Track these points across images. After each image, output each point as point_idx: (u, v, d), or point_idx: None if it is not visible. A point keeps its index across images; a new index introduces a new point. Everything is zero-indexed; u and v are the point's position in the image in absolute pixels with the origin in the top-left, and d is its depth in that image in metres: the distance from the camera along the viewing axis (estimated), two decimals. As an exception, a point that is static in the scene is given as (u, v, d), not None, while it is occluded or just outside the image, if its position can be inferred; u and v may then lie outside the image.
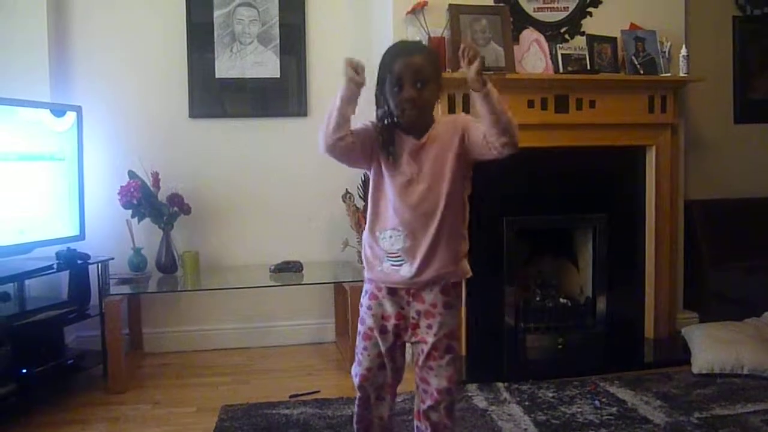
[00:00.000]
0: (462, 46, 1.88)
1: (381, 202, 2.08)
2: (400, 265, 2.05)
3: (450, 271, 2.07)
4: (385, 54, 2.02)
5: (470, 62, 1.86)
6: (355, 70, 1.92)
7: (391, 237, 2.05)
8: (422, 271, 2.03)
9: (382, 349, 2.11)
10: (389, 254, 2.06)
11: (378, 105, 2.05)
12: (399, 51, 2.01)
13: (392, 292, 2.09)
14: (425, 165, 2.02)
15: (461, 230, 2.12)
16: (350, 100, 1.95)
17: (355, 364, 2.19)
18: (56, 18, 3.80)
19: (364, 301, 2.15)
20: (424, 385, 2.11)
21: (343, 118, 1.97)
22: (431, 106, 2.04)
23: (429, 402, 2.10)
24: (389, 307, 2.10)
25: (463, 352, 3.68)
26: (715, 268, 4.14)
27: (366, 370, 2.14)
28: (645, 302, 3.95)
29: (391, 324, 2.10)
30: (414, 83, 1.94)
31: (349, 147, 2.00)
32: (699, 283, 4.17)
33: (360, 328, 2.15)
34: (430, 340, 2.06)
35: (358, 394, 2.18)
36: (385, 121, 2.03)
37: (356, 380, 2.17)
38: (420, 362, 2.10)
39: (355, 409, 2.21)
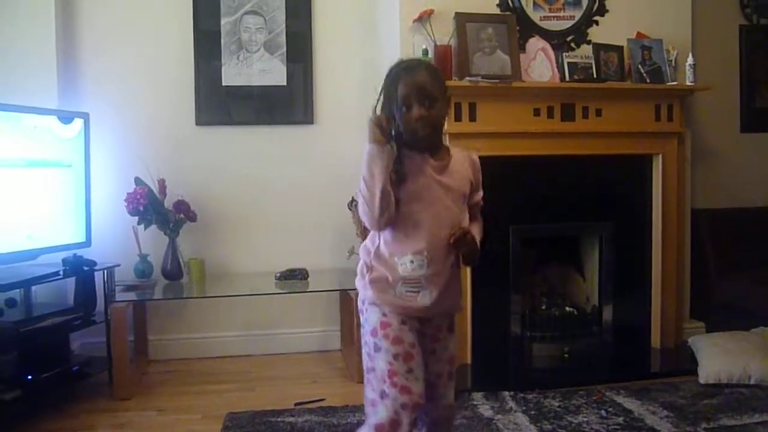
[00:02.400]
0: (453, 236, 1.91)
1: (401, 224, 1.94)
2: (417, 292, 1.94)
3: (458, 302, 2.07)
4: (387, 75, 1.97)
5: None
6: (380, 127, 1.86)
7: (412, 262, 1.93)
8: (441, 300, 1.96)
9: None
10: (407, 280, 1.94)
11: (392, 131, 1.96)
12: (401, 70, 1.95)
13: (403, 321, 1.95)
14: (452, 189, 1.97)
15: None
16: (385, 167, 1.86)
17: (389, 401, 1.87)
18: (64, 25, 3.81)
19: (386, 320, 1.94)
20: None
21: (386, 193, 1.86)
22: (442, 123, 2.00)
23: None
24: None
25: (469, 360, 3.68)
26: (721, 277, 4.13)
27: (419, 397, 1.89)
28: (651, 311, 3.94)
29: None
30: (422, 101, 1.89)
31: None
32: (706, 292, 4.15)
33: (396, 349, 1.90)
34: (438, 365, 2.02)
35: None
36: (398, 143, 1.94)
37: (404, 413, 1.86)
38: None
39: None
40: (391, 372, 1.89)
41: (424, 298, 1.95)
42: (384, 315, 1.95)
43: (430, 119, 1.91)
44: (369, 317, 1.98)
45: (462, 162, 2.02)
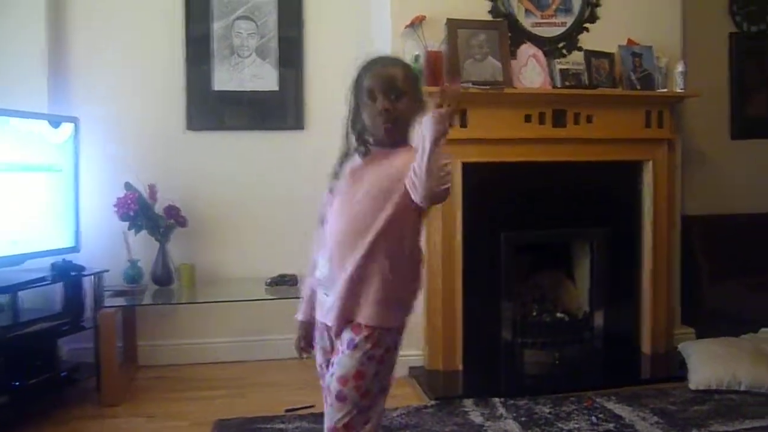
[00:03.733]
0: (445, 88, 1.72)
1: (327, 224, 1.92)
2: (326, 296, 1.88)
3: (364, 311, 1.82)
4: (357, 70, 1.91)
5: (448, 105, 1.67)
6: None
7: (322, 265, 1.90)
8: (340, 306, 1.83)
9: None
10: (321, 283, 1.91)
11: (353, 128, 1.91)
12: (372, 62, 1.91)
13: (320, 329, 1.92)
14: (366, 181, 1.85)
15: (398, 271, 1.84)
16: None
17: (371, 426, 1.84)
18: (55, 30, 3.80)
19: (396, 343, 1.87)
20: None
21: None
22: (407, 122, 1.87)
23: None
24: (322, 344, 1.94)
25: (460, 366, 3.67)
26: (712, 283, 4.14)
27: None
28: (642, 317, 3.95)
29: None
30: (387, 94, 1.82)
31: None
32: (696, 298, 4.16)
33: (390, 379, 1.89)
34: (327, 380, 1.87)
35: None
36: (361, 138, 1.90)
37: None
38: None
39: None
40: (379, 398, 1.87)
41: (327, 302, 1.87)
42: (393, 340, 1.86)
43: (394, 113, 1.83)
44: (396, 355, 1.89)
45: (404, 159, 1.79)
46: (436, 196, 1.69)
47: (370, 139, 1.90)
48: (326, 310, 1.87)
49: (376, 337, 1.81)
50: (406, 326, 1.91)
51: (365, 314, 1.80)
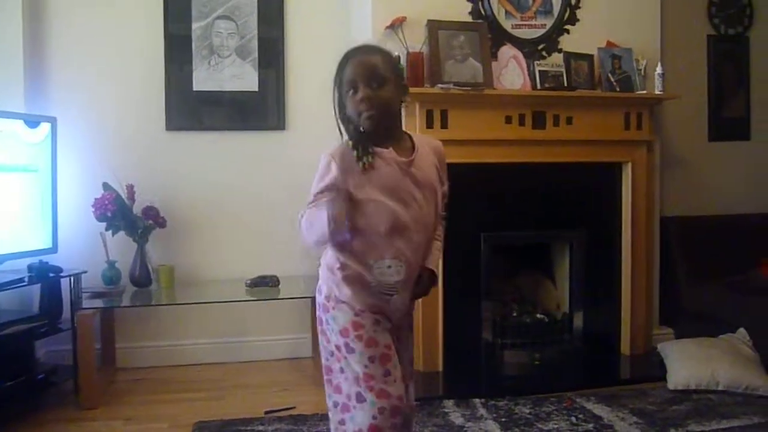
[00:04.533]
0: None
1: (375, 224, 1.82)
2: (392, 295, 1.89)
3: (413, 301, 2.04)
4: (337, 68, 1.90)
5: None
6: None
7: (390, 267, 1.85)
8: (409, 303, 1.98)
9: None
10: (383, 284, 1.86)
11: (345, 126, 1.90)
12: (350, 52, 1.89)
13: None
14: (422, 183, 1.87)
15: None
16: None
17: (368, 405, 1.80)
18: (32, 28, 3.75)
19: (359, 320, 1.86)
20: None
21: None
22: (393, 110, 1.87)
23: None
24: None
25: (440, 367, 3.67)
26: (690, 284, 4.17)
27: (399, 399, 1.81)
28: (621, 318, 3.97)
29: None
30: (369, 82, 1.81)
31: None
32: (674, 299, 4.20)
33: (370, 352, 1.83)
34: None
35: None
36: (357, 134, 1.86)
37: (382, 417, 1.78)
38: None
39: None
40: (367, 376, 1.81)
41: (396, 302, 1.90)
42: (356, 315, 1.86)
43: (377, 99, 1.81)
44: (336, 315, 1.89)
45: (426, 150, 1.92)
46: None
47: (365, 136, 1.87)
48: (394, 308, 1.92)
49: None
50: None
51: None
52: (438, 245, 2.00)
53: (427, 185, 1.89)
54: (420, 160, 1.88)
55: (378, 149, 1.84)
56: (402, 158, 1.86)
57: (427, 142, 1.96)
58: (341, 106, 1.89)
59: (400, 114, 1.94)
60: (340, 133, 1.91)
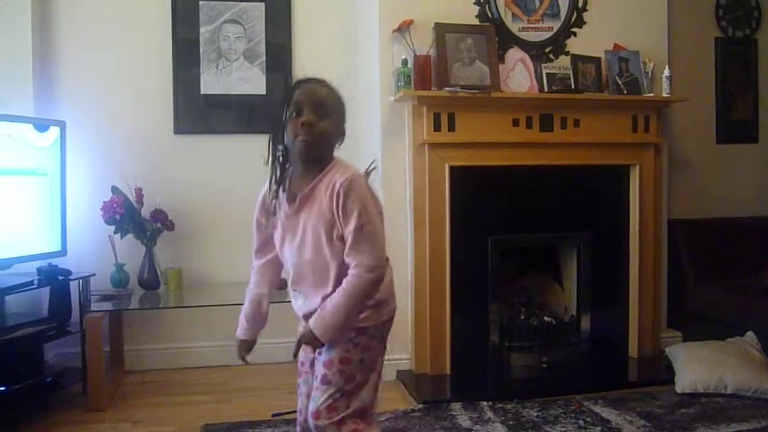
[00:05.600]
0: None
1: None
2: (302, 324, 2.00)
3: None
4: (286, 91, 1.97)
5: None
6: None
7: (295, 296, 2.05)
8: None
9: None
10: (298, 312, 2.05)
11: (273, 147, 1.96)
12: (304, 80, 1.94)
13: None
14: (302, 222, 1.92)
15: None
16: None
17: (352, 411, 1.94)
18: (40, 32, 3.78)
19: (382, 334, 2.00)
20: None
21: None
22: (328, 143, 1.91)
23: None
24: None
25: (447, 370, 3.68)
26: (698, 287, 4.16)
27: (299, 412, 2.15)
28: (629, 321, 3.96)
29: None
30: (314, 109, 1.86)
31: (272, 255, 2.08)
32: (682, 302, 4.18)
33: (379, 366, 2.01)
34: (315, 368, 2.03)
35: None
36: (280, 159, 1.95)
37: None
38: None
39: None
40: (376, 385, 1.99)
41: (301, 332, 1.98)
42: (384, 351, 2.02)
43: (317, 128, 1.86)
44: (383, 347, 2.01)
45: (323, 189, 1.88)
46: None
47: (288, 164, 1.95)
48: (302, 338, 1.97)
49: (360, 328, 1.94)
50: (391, 316, 2.02)
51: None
52: (346, 291, 1.85)
53: (311, 226, 1.90)
54: (313, 199, 1.90)
55: (294, 175, 1.95)
56: (293, 191, 1.94)
57: (330, 180, 1.88)
58: (278, 128, 1.93)
59: (331, 152, 1.95)
60: (273, 159, 1.97)
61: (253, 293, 2.15)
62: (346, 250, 1.85)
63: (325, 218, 1.87)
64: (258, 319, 2.15)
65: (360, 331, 1.93)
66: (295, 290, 2.01)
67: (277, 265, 2.09)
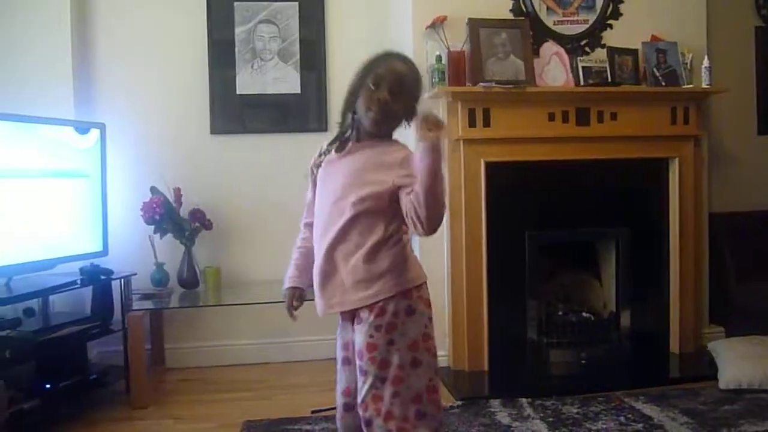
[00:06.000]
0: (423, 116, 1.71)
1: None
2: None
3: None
4: (371, 59, 1.95)
5: (431, 128, 1.68)
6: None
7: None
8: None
9: None
10: None
11: (344, 112, 1.99)
12: (389, 54, 1.96)
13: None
14: (353, 176, 1.92)
15: None
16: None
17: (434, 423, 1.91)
18: (79, 36, 3.85)
19: (428, 331, 1.93)
20: None
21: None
22: (394, 123, 1.93)
23: None
24: None
25: (486, 367, 3.67)
26: (740, 281, 4.08)
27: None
28: (670, 316, 3.90)
29: None
30: (392, 88, 1.86)
31: None
32: (725, 297, 4.11)
33: (436, 363, 1.96)
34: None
35: None
36: (349, 125, 1.95)
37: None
38: None
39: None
40: (432, 388, 1.90)
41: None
42: (426, 325, 1.93)
43: (390, 108, 1.86)
44: (418, 321, 1.91)
45: (396, 155, 1.86)
46: (437, 226, 1.77)
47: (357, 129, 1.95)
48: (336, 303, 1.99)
49: (379, 307, 1.88)
50: (420, 289, 1.94)
51: (361, 295, 1.91)
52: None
53: (361, 167, 1.90)
54: (373, 152, 1.91)
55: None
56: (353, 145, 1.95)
57: (383, 148, 1.91)
58: (352, 95, 1.95)
59: (394, 131, 1.96)
60: (343, 116, 2.01)
61: (303, 247, 2.17)
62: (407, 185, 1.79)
63: (376, 165, 1.87)
64: (309, 270, 2.07)
65: (378, 312, 1.87)
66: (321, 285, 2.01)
67: None
